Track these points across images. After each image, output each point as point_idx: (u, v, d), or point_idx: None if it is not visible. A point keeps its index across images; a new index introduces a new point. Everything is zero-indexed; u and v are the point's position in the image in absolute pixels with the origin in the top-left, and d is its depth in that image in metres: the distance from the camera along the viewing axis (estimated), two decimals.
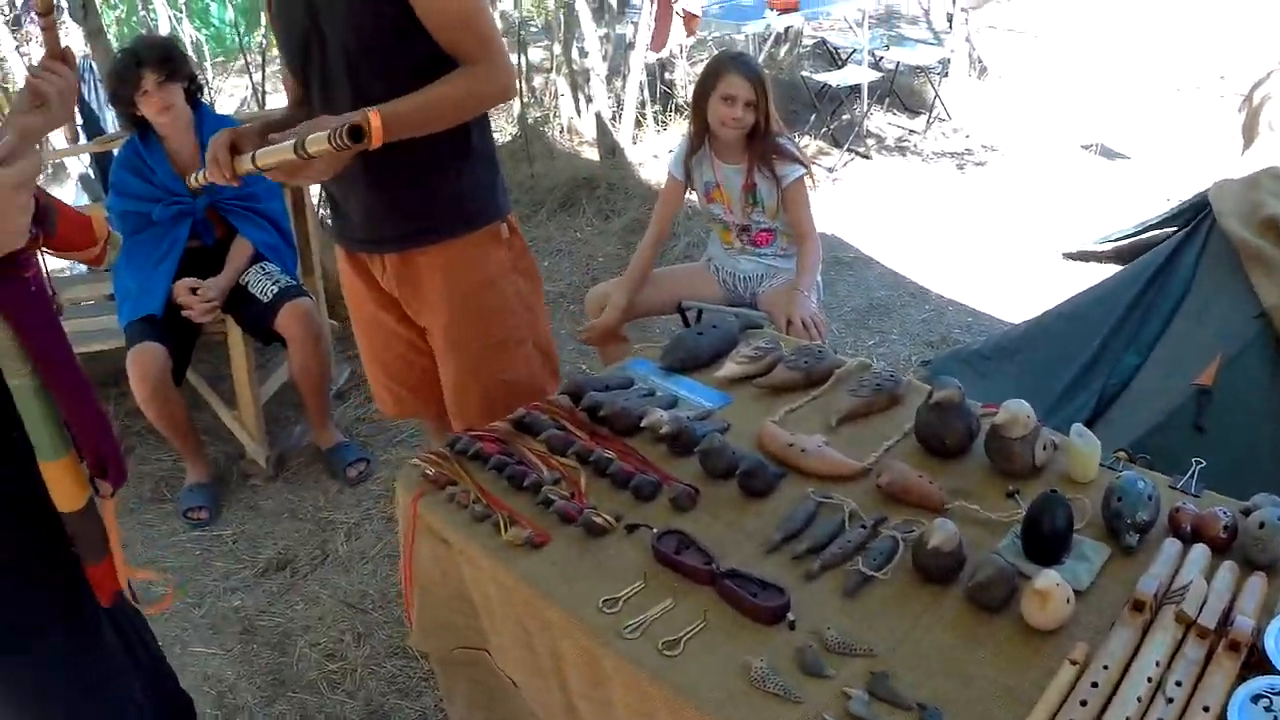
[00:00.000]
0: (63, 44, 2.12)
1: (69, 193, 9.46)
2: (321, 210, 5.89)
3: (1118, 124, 8.94)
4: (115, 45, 7.11)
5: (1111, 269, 5.66)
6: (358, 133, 2.19)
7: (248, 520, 4.63)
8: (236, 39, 11.88)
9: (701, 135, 4.26)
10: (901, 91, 9.80)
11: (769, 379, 2.71)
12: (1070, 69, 10.90)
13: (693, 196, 4.45)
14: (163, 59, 4.59)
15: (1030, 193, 7.68)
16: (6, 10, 10.44)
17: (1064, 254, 6.45)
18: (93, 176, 7.06)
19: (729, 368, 2.78)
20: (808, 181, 4.14)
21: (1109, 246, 6.23)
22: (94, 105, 7.20)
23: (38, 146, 1.85)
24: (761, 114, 4.09)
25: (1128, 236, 6.11)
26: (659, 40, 8.57)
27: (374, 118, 2.26)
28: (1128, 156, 8.32)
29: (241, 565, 4.32)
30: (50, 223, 2.07)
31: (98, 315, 5.39)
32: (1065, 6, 13.71)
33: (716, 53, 4.93)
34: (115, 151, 5.06)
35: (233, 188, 4.18)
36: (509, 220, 2.93)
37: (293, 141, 2.29)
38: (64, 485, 2.02)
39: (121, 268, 4.77)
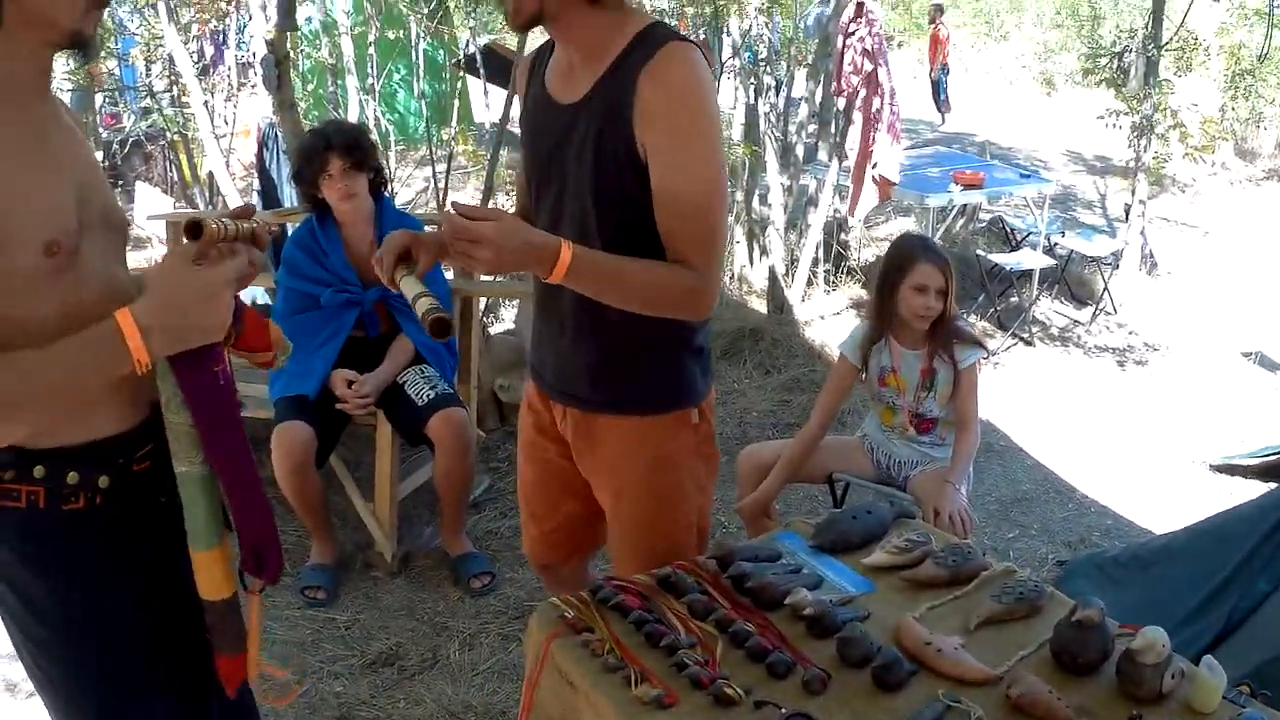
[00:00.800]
0: (262, 226, 2.06)
1: None
2: (487, 318, 6.04)
3: None
4: (304, 119, 7.37)
5: (1257, 485, 5.66)
6: (439, 323, 2.13)
7: (364, 610, 4.67)
8: (423, 130, 12.21)
9: (886, 320, 4.26)
10: (1071, 279, 9.79)
11: (915, 573, 2.72)
12: (1239, 270, 10.84)
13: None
14: (351, 146, 4.65)
15: (1186, 397, 7.64)
16: (195, 59, 10.83)
17: (1211, 465, 6.40)
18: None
19: (878, 556, 2.80)
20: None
21: (1257, 462, 6.19)
22: (274, 175, 7.41)
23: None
24: (948, 301, 4.13)
25: (1276, 454, 6.08)
26: (853, 204, 8.67)
27: (565, 253, 2.27)
28: None
29: (350, 653, 4.35)
30: (241, 322, 2.11)
31: (248, 382, 5.39)
32: (1239, 203, 13.66)
33: (902, 235, 4.99)
34: (290, 226, 5.19)
35: None
36: (703, 405, 2.80)
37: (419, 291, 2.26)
38: (212, 574, 2.10)
39: None
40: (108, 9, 2.04)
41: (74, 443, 1.98)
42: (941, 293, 4.11)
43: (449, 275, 5.50)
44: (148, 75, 12.41)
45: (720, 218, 2.50)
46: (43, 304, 1.87)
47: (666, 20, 11.70)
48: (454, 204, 2.29)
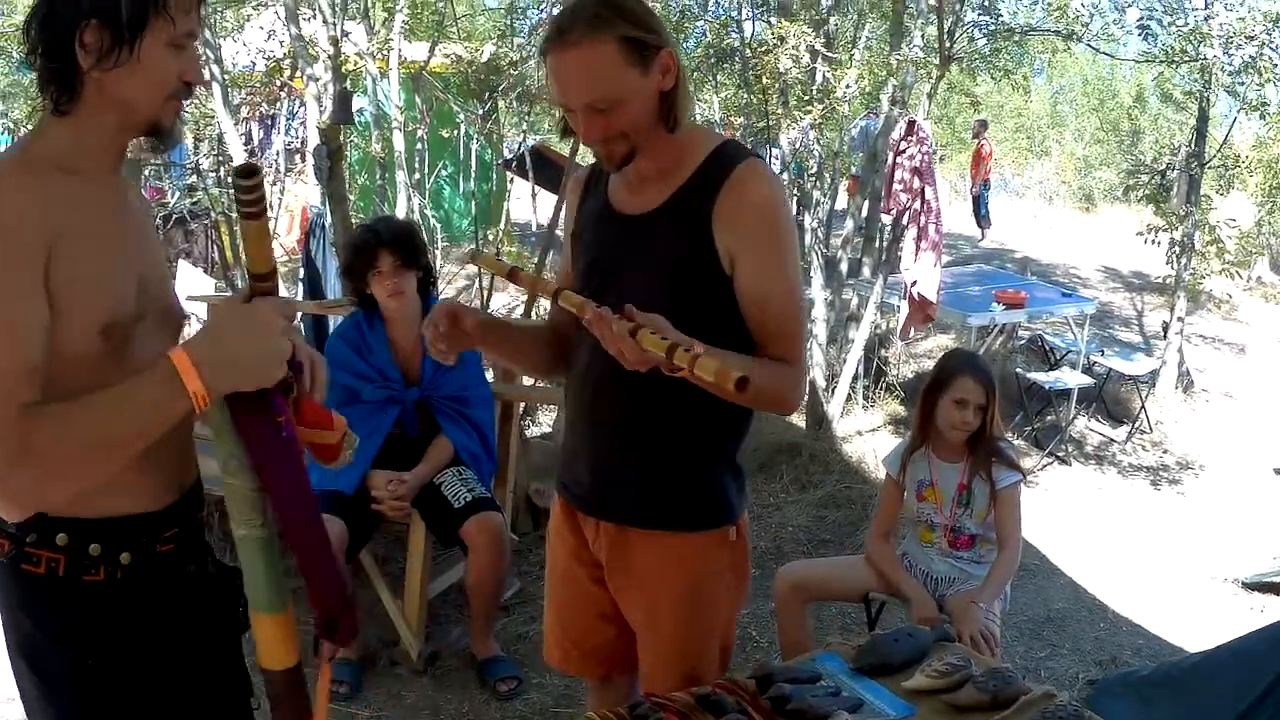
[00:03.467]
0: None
1: None
2: (524, 422, 6.06)
3: None
4: (352, 213, 7.45)
5: None
6: (743, 383, 2.05)
7: (387, 706, 4.63)
8: (468, 228, 12.27)
9: (926, 433, 4.33)
10: (1108, 398, 9.82)
11: (956, 697, 2.75)
12: (1274, 387, 10.94)
13: None
14: (403, 243, 4.68)
15: (1219, 515, 7.67)
16: (244, 141, 10.99)
17: (1243, 583, 6.42)
18: (302, 330, 7.02)
19: (919, 679, 2.83)
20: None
21: None
22: (319, 264, 7.41)
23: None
24: (988, 418, 4.18)
25: None
26: (906, 328, 8.80)
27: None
28: None
29: None
30: (302, 378, 2.08)
31: None
32: (1276, 318, 13.69)
33: (948, 350, 5.03)
34: (333, 319, 5.18)
35: (449, 387, 4.39)
36: (739, 523, 2.81)
37: (670, 340, 2.15)
38: (275, 642, 2.11)
39: None
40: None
41: (99, 515, 2.00)
42: (981, 409, 4.17)
43: (489, 377, 5.55)
44: (195, 152, 12.58)
45: (805, 315, 2.68)
46: (90, 387, 1.85)
47: (716, 129, 11.93)
48: (560, 293, 2.39)
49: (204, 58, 11.45)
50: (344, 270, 4.99)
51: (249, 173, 1.96)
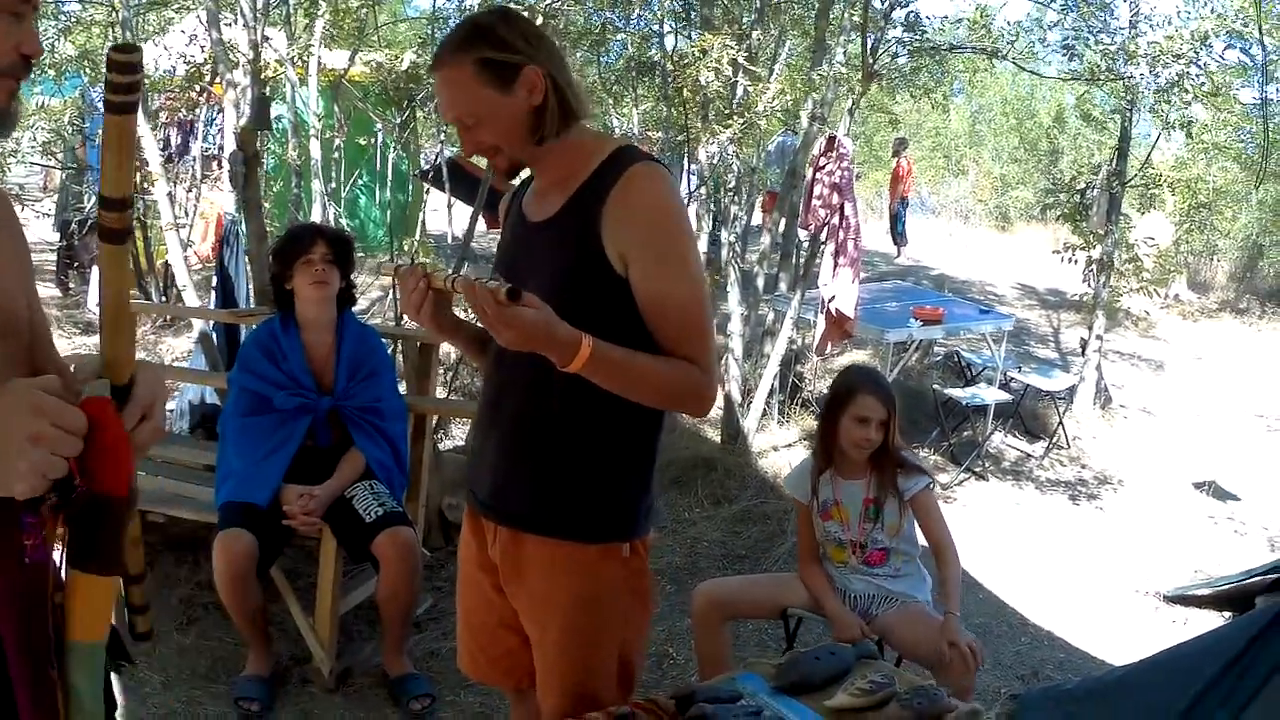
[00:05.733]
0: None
1: (184, 345, 9.68)
2: (437, 434, 6.02)
3: (1233, 463, 9.07)
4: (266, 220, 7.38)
5: (1212, 616, 5.69)
6: (514, 293, 2.22)
7: None
8: (382, 238, 12.16)
9: (829, 453, 4.31)
10: (1025, 414, 9.90)
11: (880, 714, 2.74)
12: (1192, 402, 11.16)
13: None
14: (340, 242, 4.78)
15: (1139, 529, 7.76)
16: (161, 147, 10.85)
17: (1165, 595, 6.46)
18: (214, 339, 7.00)
19: (841, 698, 2.82)
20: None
21: (1212, 592, 6.23)
22: (232, 271, 7.36)
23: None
24: (889, 431, 4.17)
25: (1231, 582, 6.12)
26: (823, 344, 8.82)
27: (585, 347, 2.35)
28: (1239, 498, 8.42)
29: None
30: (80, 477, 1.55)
31: (189, 483, 5.35)
32: (1193, 335, 13.91)
33: (849, 366, 5.02)
34: (244, 328, 5.13)
35: (362, 398, 4.37)
36: (639, 542, 2.79)
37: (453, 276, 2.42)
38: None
39: (229, 444, 4.74)
40: (23, 82, 1.75)
41: None
42: (883, 424, 4.15)
43: (402, 389, 5.51)
44: None
45: (709, 316, 2.65)
46: None
47: (634, 142, 11.90)
48: (507, 285, 2.31)
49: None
50: (274, 254, 4.91)
51: (127, 50, 1.55)
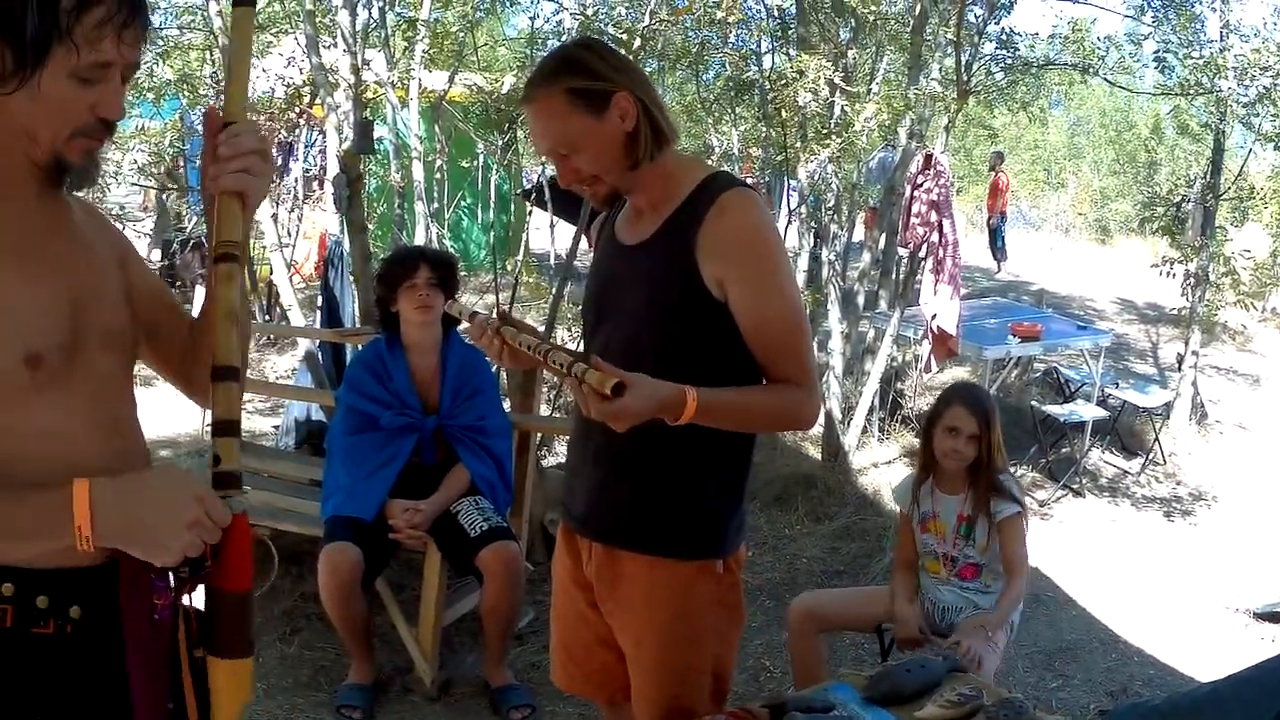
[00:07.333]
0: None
1: (288, 363, 9.80)
2: (540, 451, 6.07)
3: None
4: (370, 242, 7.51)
5: None
6: (619, 388, 2.22)
7: None
8: (485, 258, 12.20)
9: (927, 465, 4.39)
10: (1122, 430, 9.85)
11: None
12: None
13: None
14: (444, 265, 4.81)
15: (1232, 546, 7.71)
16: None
17: (1255, 612, 6.44)
18: (319, 357, 7.20)
19: (930, 710, 2.87)
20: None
21: None
22: (337, 291, 7.43)
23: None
24: (984, 448, 4.20)
25: None
26: (929, 362, 8.83)
27: (691, 402, 2.36)
28: None
29: None
30: (216, 560, 1.80)
31: (296, 497, 5.51)
32: None
33: (954, 381, 5.07)
34: (350, 347, 5.21)
35: (467, 417, 4.44)
36: (732, 558, 2.83)
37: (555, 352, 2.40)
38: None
39: (336, 461, 4.82)
40: (107, 143, 1.87)
41: (44, 566, 1.79)
42: (974, 438, 4.19)
43: (506, 407, 5.58)
44: None
45: (808, 334, 2.70)
46: (21, 420, 1.76)
47: (733, 161, 11.94)
48: (595, 360, 2.34)
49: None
50: (378, 278, 4.98)
51: None
